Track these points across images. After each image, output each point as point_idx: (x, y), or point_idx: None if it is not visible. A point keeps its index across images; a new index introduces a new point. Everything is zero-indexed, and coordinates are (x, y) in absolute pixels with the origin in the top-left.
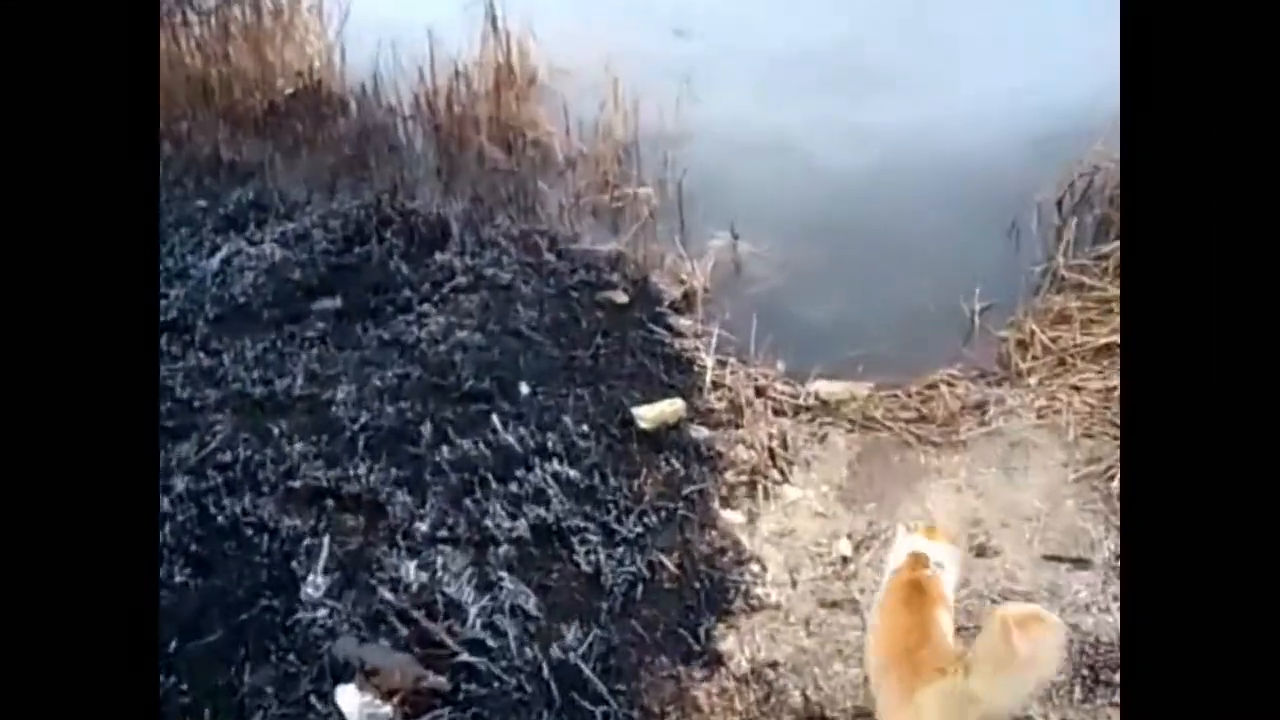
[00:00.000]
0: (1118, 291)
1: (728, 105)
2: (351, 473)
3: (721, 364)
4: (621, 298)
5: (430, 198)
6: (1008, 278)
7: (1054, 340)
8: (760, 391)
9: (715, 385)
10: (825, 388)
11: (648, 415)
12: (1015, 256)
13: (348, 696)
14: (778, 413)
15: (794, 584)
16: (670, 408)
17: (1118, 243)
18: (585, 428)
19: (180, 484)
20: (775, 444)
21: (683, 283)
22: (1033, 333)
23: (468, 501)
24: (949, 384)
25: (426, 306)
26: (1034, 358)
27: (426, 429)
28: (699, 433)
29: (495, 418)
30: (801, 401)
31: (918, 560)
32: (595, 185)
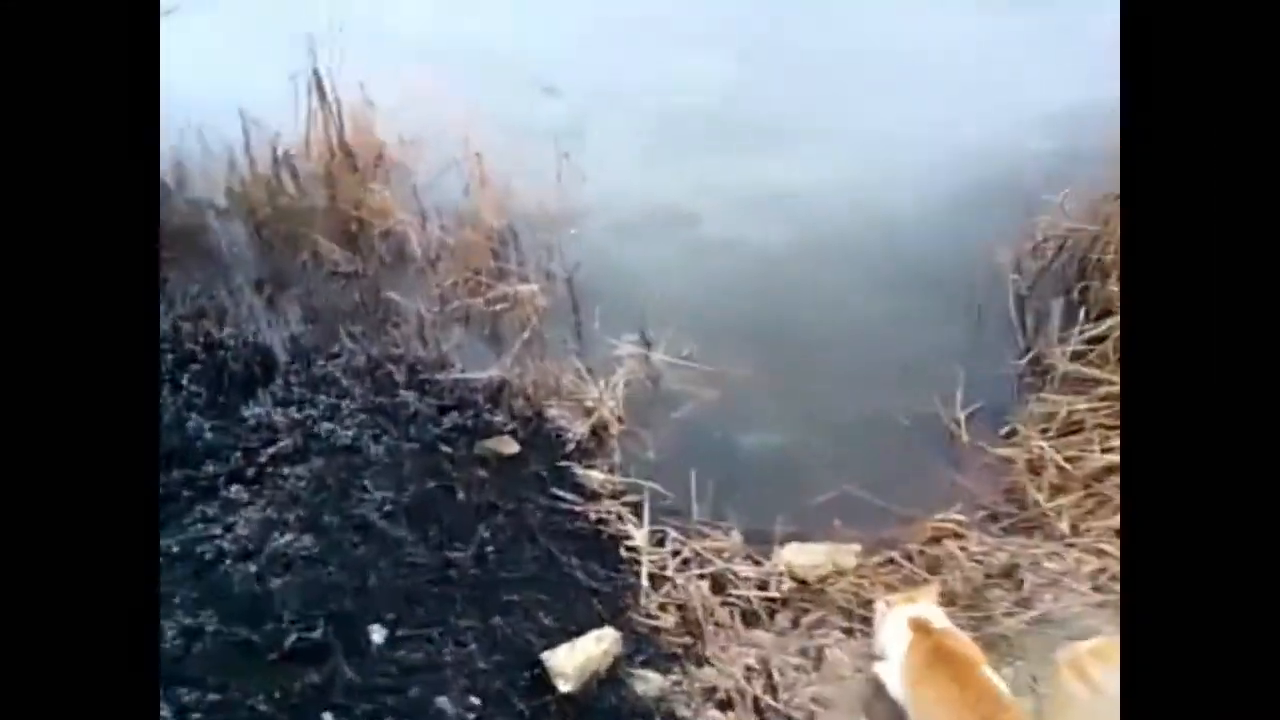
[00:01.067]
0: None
1: (615, 174)
2: None
3: (659, 541)
4: (510, 446)
5: (247, 321)
6: (985, 370)
7: (1072, 461)
8: (718, 584)
9: (655, 581)
10: (798, 558)
11: (568, 668)
12: (987, 341)
13: None
14: (749, 619)
15: None
16: (598, 648)
17: (1108, 321)
18: (474, 699)
19: None
20: (758, 684)
21: (589, 412)
22: (1041, 452)
23: None
24: (956, 535)
25: (236, 489)
26: (1055, 488)
27: None
28: (645, 682)
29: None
30: (774, 590)
31: (922, 625)
32: (465, 286)
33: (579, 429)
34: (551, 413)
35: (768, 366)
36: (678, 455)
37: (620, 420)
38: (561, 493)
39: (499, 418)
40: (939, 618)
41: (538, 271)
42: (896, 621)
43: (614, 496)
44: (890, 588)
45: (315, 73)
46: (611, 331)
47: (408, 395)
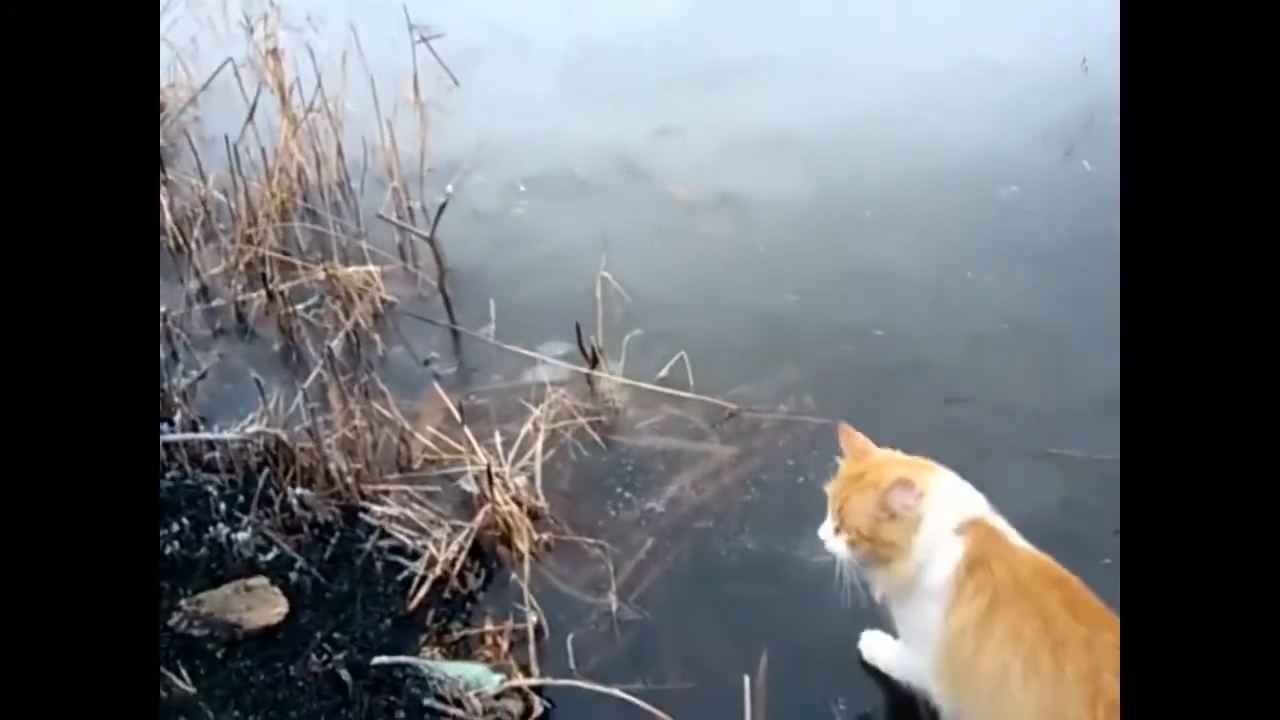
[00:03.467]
0: None
1: (535, 116)
2: None
3: None
4: (273, 607)
5: None
6: None
7: None
8: None
9: None
10: None
11: None
12: None
13: None
14: None
15: None
16: None
17: None
18: None
19: None
20: None
21: (471, 503)
22: None
23: None
24: None
25: None
26: None
27: None
28: None
29: None
30: None
31: (976, 526)
32: (244, 273)
33: (444, 549)
34: (379, 512)
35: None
36: (680, 610)
37: (543, 521)
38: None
39: (251, 532)
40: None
41: (386, 249)
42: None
43: None
44: None
45: None
46: (521, 340)
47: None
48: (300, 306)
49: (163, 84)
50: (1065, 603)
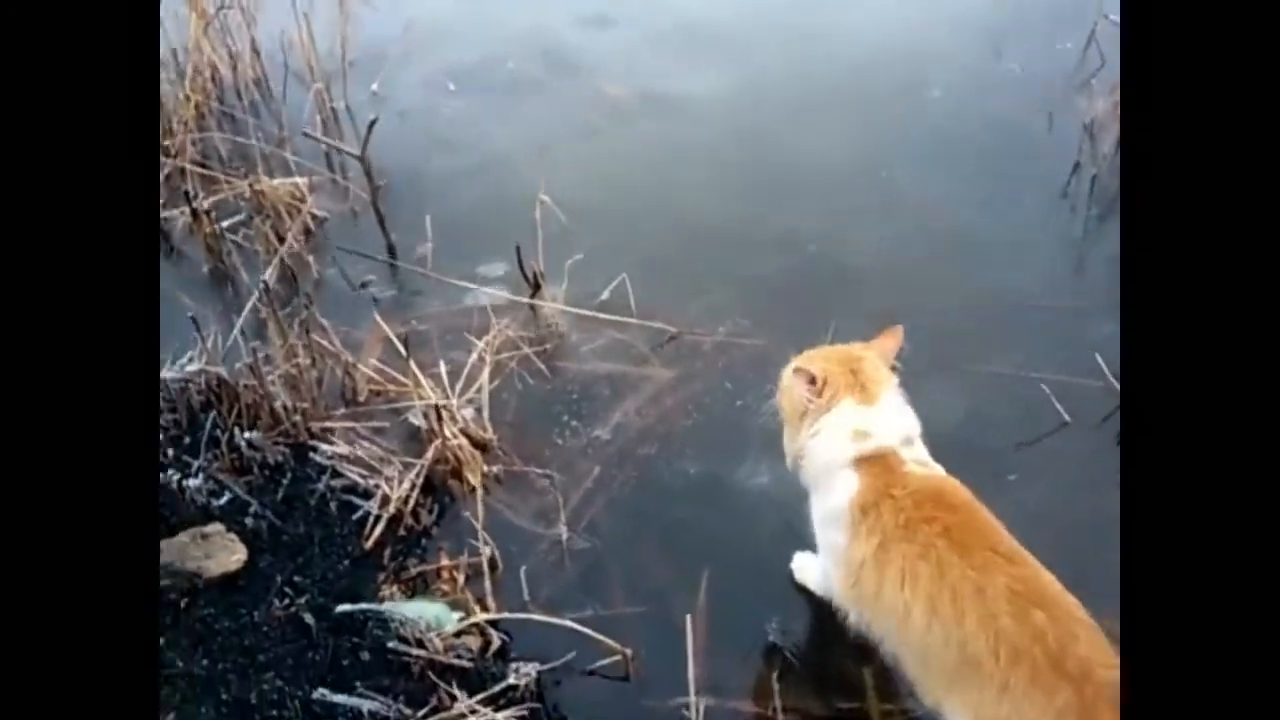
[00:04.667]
0: None
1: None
2: None
3: None
4: (231, 554)
5: None
6: None
7: None
8: None
9: None
10: None
11: None
12: None
13: None
14: None
15: None
16: None
17: None
18: None
19: None
20: None
21: (421, 436)
22: None
23: None
24: None
25: None
26: None
27: None
28: None
29: None
30: None
31: (873, 462)
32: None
33: (396, 487)
34: (329, 451)
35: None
36: (626, 536)
37: (492, 454)
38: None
39: (203, 478)
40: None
41: (311, 158)
42: (840, 436)
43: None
44: None
45: None
46: (460, 261)
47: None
48: (226, 224)
49: None
50: (956, 543)
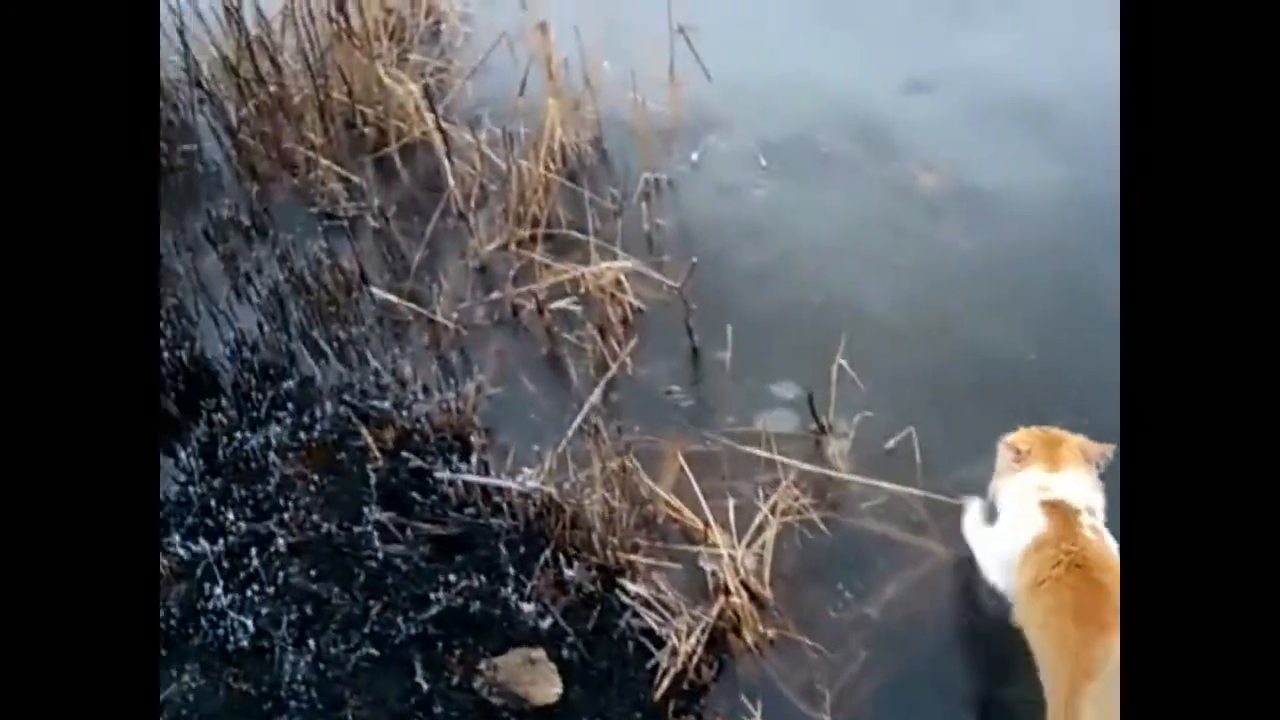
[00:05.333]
0: None
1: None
2: None
3: None
4: (548, 686)
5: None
6: None
7: None
8: None
9: None
10: None
11: None
12: None
13: None
14: None
15: None
16: None
17: None
18: None
19: None
20: None
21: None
22: None
23: None
24: None
25: None
26: None
27: None
28: None
29: None
30: None
31: (1059, 512)
32: (511, 259)
33: (684, 641)
34: (632, 591)
35: None
36: None
37: (767, 612)
38: None
39: (536, 606)
40: (1091, 494)
41: (633, 233)
42: (1023, 493)
43: None
44: None
45: None
46: (756, 373)
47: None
48: (558, 305)
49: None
50: (1082, 604)
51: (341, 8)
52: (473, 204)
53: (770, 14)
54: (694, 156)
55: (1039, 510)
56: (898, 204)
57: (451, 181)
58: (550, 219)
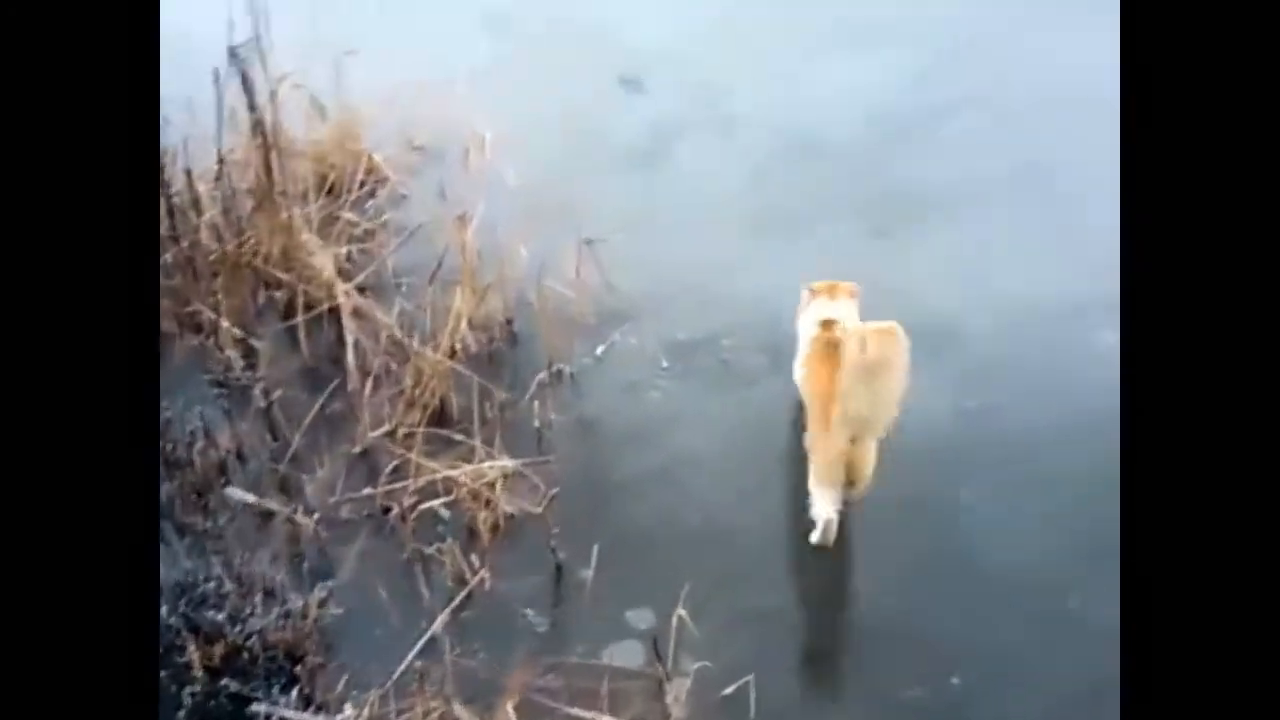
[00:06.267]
0: None
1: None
2: None
3: None
4: None
5: None
6: None
7: None
8: None
9: None
10: None
11: None
12: None
13: None
14: None
15: None
16: None
17: None
18: None
19: None
20: None
21: None
22: None
23: None
24: None
25: None
26: None
27: None
28: None
29: None
30: None
31: (828, 325)
32: (399, 447)
33: None
34: None
35: None
36: None
37: None
38: None
39: None
40: (846, 315)
41: (525, 429)
42: (814, 312)
43: None
44: None
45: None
46: (615, 597)
47: None
48: (430, 504)
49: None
50: (830, 362)
51: (269, 167)
52: (368, 386)
53: (694, 220)
54: (599, 350)
55: (818, 324)
56: (794, 419)
57: (352, 361)
58: (443, 407)
